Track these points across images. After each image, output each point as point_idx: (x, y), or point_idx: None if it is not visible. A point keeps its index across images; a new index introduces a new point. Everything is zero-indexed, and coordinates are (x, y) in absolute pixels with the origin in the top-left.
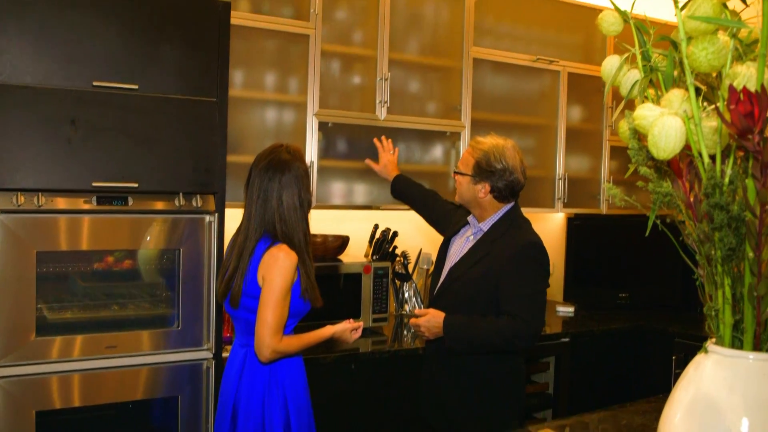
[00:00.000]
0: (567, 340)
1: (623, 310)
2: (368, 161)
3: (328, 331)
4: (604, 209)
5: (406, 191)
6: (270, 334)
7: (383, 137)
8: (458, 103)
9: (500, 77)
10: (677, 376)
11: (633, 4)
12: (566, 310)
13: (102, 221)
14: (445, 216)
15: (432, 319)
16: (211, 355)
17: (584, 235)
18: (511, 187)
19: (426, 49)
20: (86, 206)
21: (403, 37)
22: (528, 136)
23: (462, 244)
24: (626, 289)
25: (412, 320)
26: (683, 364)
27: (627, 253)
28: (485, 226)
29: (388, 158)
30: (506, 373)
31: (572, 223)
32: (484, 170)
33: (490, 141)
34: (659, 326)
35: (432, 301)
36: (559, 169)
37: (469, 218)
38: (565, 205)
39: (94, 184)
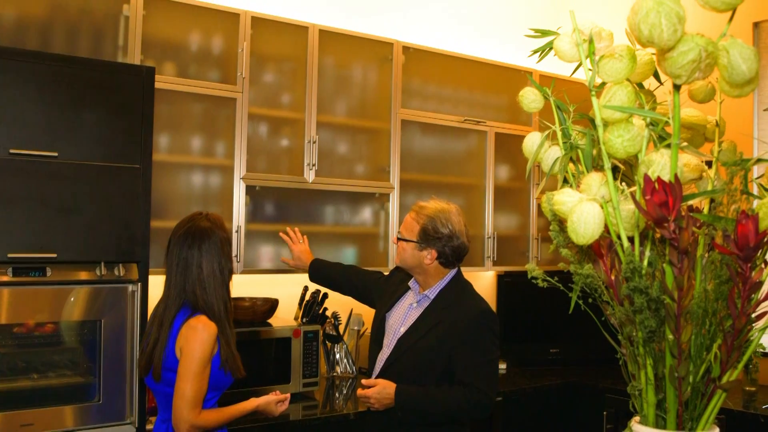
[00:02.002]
0: (500, 399)
1: (554, 365)
2: (283, 258)
3: (251, 403)
4: (539, 270)
5: (325, 273)
6: (188, 408)
7: (288, 228)
8: (387, 164)
9: (428, 138)
10: (609, 431)
11: (552, 86)
12: (498, 367)
13: (19, 293)
14: (372, 288)
15: (383, 390)
16: (134, 430)
17: (514, 292)
18: (458, 253)
19: (354, 111)
20: (2, 278)
21: (331, 99)
22: (457, 196)
23: (405, 312)
24: (557, 345)
25: (360, 391)
26: (614, 419)
27: (557, 308)
28: (431, 293)
29: (300, 248)
30: None
31: (502, 280)
32: (430, 236)
33: (434, 205)
34: (590, 382)
35: (380, 373)
36: (488, 227)
37: (411, 284)
38: (495, 263)
39: (10, 255)
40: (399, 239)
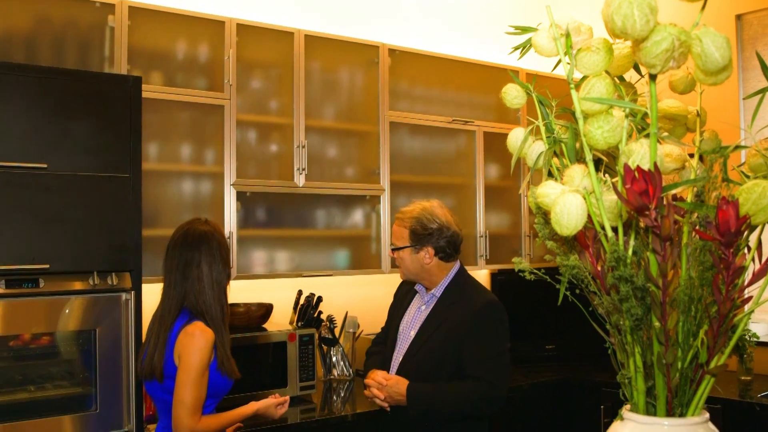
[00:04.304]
0: None
1: (550, 362)
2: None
3: (251, 407)
4: (526, 263)
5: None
6: (188, 414)
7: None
8: (376, 166)
9: (417, 139)
10: (606, 425)
11: (534, 83)
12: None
13: (12, 305)
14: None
15: (396, 385)
16: None
17: (508, 289)
18: (453, 243)
19: (342, 114)
20: None
21: (319, 103)
22: (447, 196)
23: (414, 316)
24: (552, 341)
25: (368, 391)
26: (611, 413)
27: (551, 305)
28: (438, 291)
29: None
30: None
31: (496, 278)
32: (421, 235)
33: (414, 207)
34: (586, 377)
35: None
36: (480, 226)
37: (417, 287)
38: (488, 262)
39: (2, 267)
40: (393, 250)
